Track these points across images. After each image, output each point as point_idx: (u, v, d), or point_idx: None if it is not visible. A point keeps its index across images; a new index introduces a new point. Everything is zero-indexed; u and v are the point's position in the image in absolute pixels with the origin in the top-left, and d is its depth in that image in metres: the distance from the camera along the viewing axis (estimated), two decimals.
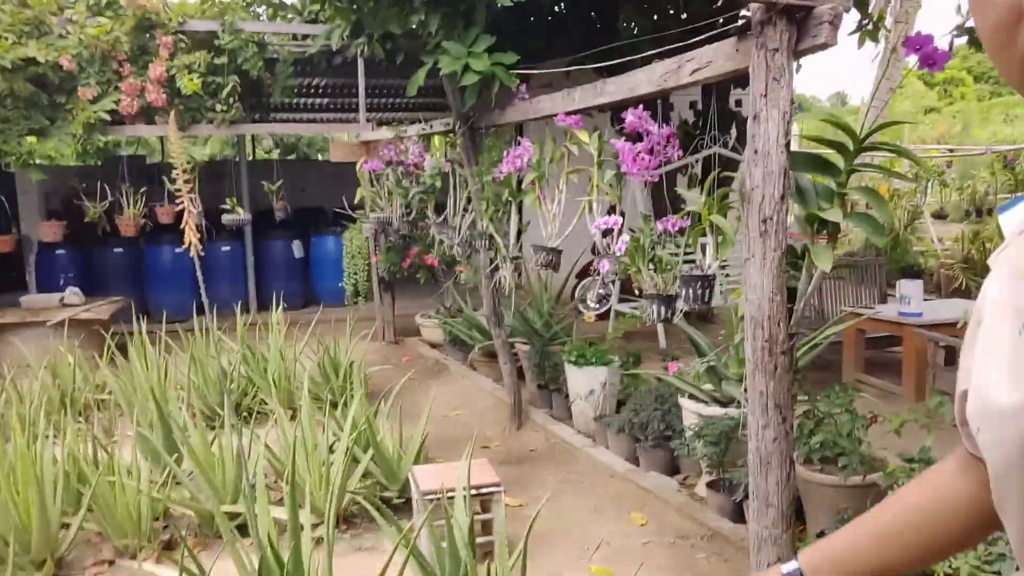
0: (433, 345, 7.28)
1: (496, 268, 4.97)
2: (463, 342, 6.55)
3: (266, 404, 5.31)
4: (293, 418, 5.18)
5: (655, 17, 7.01)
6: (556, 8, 7.27)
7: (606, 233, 3.38)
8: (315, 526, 3.73)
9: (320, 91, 7.61)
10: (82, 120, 6.26)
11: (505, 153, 4.19)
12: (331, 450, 4.16)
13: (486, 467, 3.60)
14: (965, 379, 0.71)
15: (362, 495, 3.71)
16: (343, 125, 7.48)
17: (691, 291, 2.71)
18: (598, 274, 3.74)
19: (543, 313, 6.05)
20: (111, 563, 3.39)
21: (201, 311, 7.41)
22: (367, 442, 4.21)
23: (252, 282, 8.24)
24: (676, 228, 3.26)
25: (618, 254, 3.28)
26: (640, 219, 3.71)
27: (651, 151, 3.34)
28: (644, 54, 3.56)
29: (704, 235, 2.90)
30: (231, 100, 6.73)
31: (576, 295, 8.08)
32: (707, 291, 2.73)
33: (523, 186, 4.37)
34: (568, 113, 3.75)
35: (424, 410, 4.29)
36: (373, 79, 7.42)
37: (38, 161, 6.19)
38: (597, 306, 7.38)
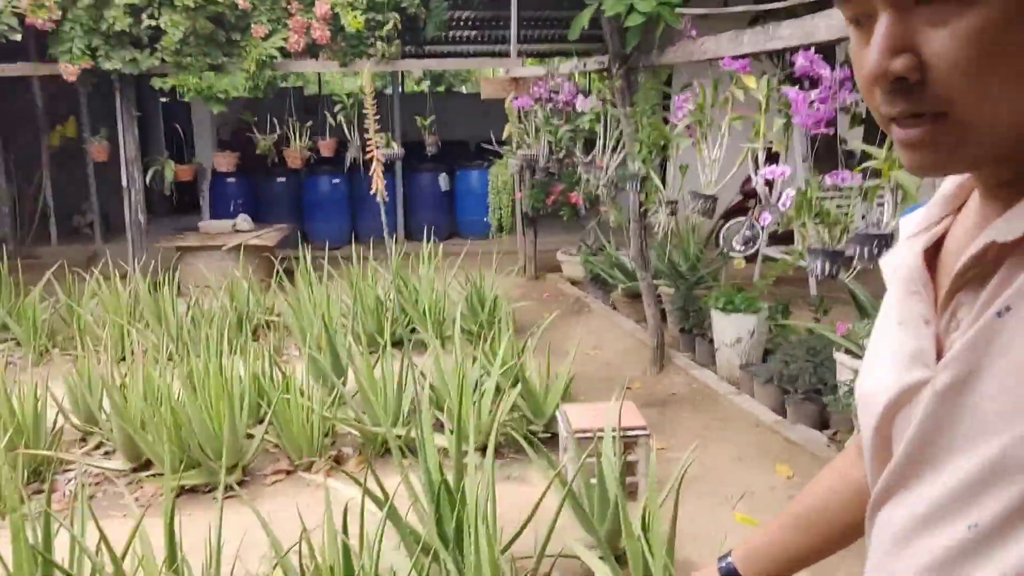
0: (573, 282, 7.37)
1: (645, 211, 4.95)
2: (604, 281, 6.60)
3: (416, 333, 5.60)
4: (443, 347, 5.44)
5: None
6: None
7: (768, 183, 3.30)
8: (467, 453, 3.97)
9: (472, 23, 7.65)
10: (254, 57, 6.62)
11: (675, 97, 4.13)
12: (479, 383, 4.37)
13: (633, 410, 3.68)
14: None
15: (510, 428, 3.89)
16: (495, 60, 7.51)
17: (866, 250, 2.64)
18: (745, 215, 3.67)
19: (690, 256, 6.00)
20: (288, 473, 3.73)
21: (356, 239, 7.81)
22: (515, 377, 4.39)
23: (401, 214, 8.56)
24: (847, 182, 3.15)
25: (783, 208, 3.21)
26: (803, 168, 3.60)
27: (824, 100, 3.21)
28: None
29: (881, 190, 2.79)
30: (390, 36, 6.91)
31: (722, 236, 7.92)
32: (884, 250, 2.64)
33: (677, 130, 4.31)
34: (735, 57, 3.64)
35: (566, 348, 4.41)
36: (525, 11, 7.38)
37: (219, 95, 6.62)
38: (743, 248, 7.22)
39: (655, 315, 5.20)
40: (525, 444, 3.18)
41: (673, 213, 4.67)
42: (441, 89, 14.30)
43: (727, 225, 7.80)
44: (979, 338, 0.60)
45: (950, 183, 0.74)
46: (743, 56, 3.53)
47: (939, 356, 0.65)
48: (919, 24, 0.58)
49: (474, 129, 11.73)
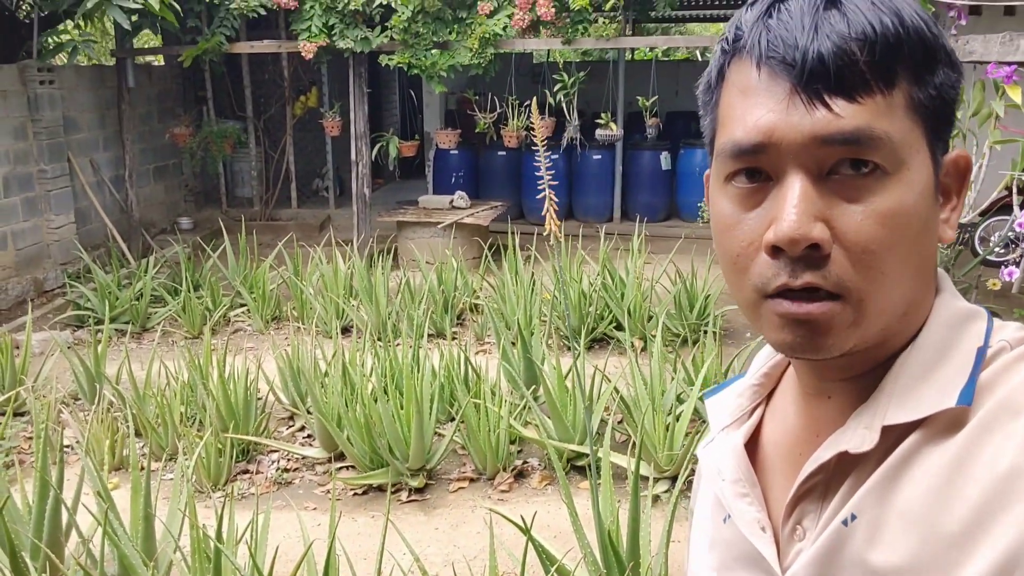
0: None
1: None
2: None
3: (621, 330, 5.38)
4: (644, 349, 5.19)
5: None
6: None
7: None
8: (656, 480, 3.73)
9: None
10: (479, 34, 6.59)
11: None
12: (679, 399, 4.08)
13: None
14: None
15: None
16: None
17: None
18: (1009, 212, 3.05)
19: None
20: (472, 480, 3.71)
21: (571, 215, 7.69)
22: None
23: (618, 192, 8.31)
24: None
25: None
26: None
27: None
28: None
29: None
30: (615, 12, 6.59)
31: (977, 237, 6.88)
32: None
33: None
34: (1001, 63, 2.98)
35: None
36: None
37: (442, 73, 6.69)
38: (1003, 251, 6.22)
39: None
40: None
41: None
42: (675, 57, 13.66)
43: (985, 223, 6.74)
44: (827, 548, 0.59)
45: (757, 371, 0.72)
46: (1015, 63, 2.88)
47: (781, 564, 0.63)
48: (831, 195, 0.55)
49: None
